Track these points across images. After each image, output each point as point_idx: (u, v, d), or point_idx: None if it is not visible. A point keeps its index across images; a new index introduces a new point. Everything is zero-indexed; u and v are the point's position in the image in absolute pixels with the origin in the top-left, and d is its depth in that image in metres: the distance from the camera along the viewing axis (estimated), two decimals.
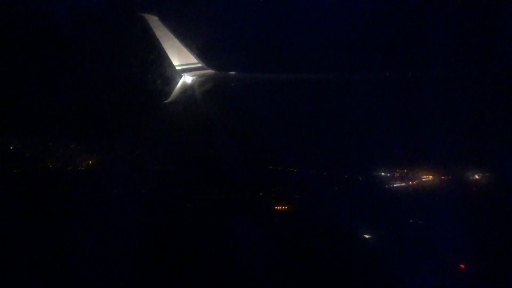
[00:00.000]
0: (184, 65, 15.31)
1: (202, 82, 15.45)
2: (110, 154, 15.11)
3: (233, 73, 15.73)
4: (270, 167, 15.02)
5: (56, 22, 14.23)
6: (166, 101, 15.08)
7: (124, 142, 14.95)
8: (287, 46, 15.79)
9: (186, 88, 15.34)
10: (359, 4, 15.60)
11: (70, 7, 13.98)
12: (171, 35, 15.01)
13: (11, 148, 15.19)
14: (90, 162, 15.01)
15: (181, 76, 15.30)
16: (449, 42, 14.50)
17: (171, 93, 15.19)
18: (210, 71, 15.56)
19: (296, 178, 14.62)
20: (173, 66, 15.17)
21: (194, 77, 15.43)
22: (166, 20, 14.84)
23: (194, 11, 15.23)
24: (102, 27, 14.70)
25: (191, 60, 15.34)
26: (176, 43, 15.11)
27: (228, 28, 15.39)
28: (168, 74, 15.16)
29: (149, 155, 15.12)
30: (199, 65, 15.43)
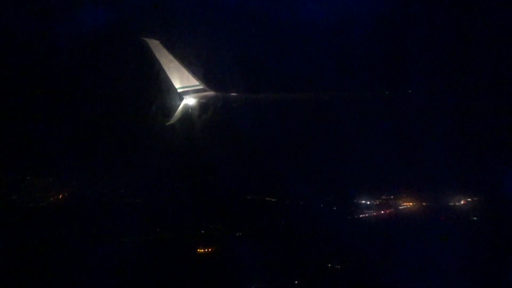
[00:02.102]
0: (185, 87, 15.60)
1: (203, 104, 15.76)
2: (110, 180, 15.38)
3: (234, 94, 16.01)
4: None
5: (58, 47, 14.40)
6: (168, 123, 15.43)
7: (125, 165, 15.21)
8: (287, 68, 15.98)
9: (188, 110, 15.65)
10: (356, 27, 15.72)
11: (72, 32, 14.11)
12: (172, 58, 15.28)
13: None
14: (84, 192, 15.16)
15: (182, 98, 15.60)
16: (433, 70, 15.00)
17: (173, 114, 15.52)
18: (211, 93, 15.87)
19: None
20: (175, 88, 15.47)
21: (195, 99, 15.73)
22: (167, 44, 15.08)
23: (194, 35, 15.33)
24: (105, 52, 14.91)
25: (192, 82, 15.63)
26: (177, 66, 15.38)
27: (228, 50, 15.55)
28: (170, 96, 15.44)
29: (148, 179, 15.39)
30: (200, 87, 15.73)
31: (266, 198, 15.22)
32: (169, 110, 15.47)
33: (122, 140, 15.23)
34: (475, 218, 14.01)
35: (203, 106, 15.74)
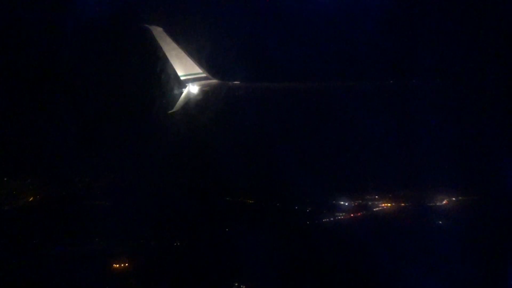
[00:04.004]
0: (188, 75, 15.39)
1: (206, 92, 15.66)
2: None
3: (237, 82, 15.87)
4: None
5: (61, 35, 13.75)
6: (171, 111, 15.44)
7: (126, 155, 14.83)
8: (291, 56, 15.67)
9: (191, 98, 15.58)
10: (361, 16, 15.31)
11: (75, 19, 13.42)
12: (175, 46, 14.91)
13: None
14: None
15: (185, 86, 15.44)
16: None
17: (176, 103, 15.47)
18: (214, 81, 15.70)
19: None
20: (178, 76, 15.24)
21: (198, 87, 15.59)
22: (171, 31, 14.53)
23: (198, 22, 14.71)
24: (108, 39, 14.31)
25: (196, 70, 15.41)
26: (181, 53, 15.05)
27: (232, 38, 15.09)
28: (173, 84, 15.26)
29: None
30: (204, 75, 15.54)
31: (244, 200, 14.67)
32: (172, 98, 15.38)
33: (120, 131, 14.89)
34: (457, 219, 13.79)
35: (206, 94, 15.67)
